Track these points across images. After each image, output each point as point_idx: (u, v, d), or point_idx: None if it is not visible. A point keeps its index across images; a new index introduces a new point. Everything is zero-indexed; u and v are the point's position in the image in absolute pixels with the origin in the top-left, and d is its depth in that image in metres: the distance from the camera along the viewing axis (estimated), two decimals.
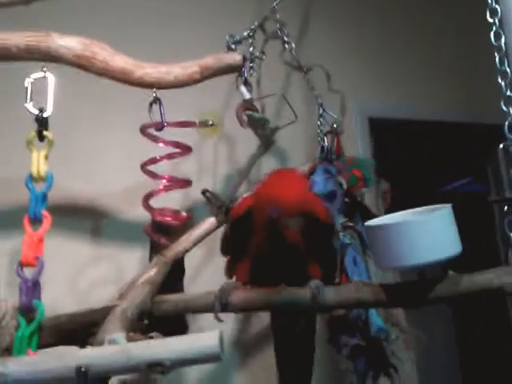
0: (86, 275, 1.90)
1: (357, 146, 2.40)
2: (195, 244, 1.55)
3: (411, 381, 2.41)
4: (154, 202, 1.59)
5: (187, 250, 1.54)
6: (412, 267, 1.06)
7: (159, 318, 1.28)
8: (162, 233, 1.53)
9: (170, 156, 1.53)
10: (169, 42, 2.06)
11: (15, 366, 0.77)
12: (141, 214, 1.71)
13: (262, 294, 1.17)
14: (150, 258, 1.56)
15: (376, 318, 1.50)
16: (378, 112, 2.48)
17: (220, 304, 1.14)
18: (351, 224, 1.54)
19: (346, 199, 1.56)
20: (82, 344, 1.31)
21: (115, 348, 0.79)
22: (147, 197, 1.55)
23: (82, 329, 1.32)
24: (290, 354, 1.38)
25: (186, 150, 1.55)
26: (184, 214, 1.56)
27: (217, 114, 1.67)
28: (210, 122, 1.59)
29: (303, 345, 1.37)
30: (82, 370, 0.73)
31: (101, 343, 0.85)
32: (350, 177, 1.57)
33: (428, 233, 1.02)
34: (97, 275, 1.91)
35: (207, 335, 0.77)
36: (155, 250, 1.54)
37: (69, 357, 0.78)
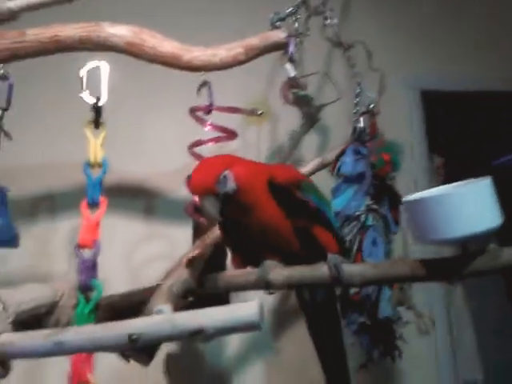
0: (139, 252, 2.01)
1: (408, 119, 2.37)
2: None
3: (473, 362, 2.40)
4: None
5: None
6: (451, 240, 1.06)
7: (202, 296, 1.31)
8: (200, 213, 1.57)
9: (215, 140, 1.58)
10: (214, 24, 2.10)
11: (74, 334, 0.85)
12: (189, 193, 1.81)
13: (302, 271, 1.20)
14: (194, 239, 1.61)
15: (386, 304, 1.51)
16: (430, 84, 2.42)
17: (262, 282, 1.18)
18: (376, 207, 1.53)
19: (375, 182, 1.55)
20: None
21: (161, 317, 0.86)
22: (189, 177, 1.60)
23: (132, 307, 1.36)
24: (318, 328, 1.39)
25: (231, 135, 1.59)
26: None
27: (265, 101, 1.68)
28: (259, 112, 1.61)
29: (327, 320, 1.38)
30: (133, 337, 0.81)
31: (149, 314, 0.91)
32: (377, 159, 1.55)
33: (466, 205, 1.02)
34: (150, 252, 2.02)
35: (247, 305, 0.81)
36: (198, 230, 1.59)
37: (121, 326, 0.85)
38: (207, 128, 1.57)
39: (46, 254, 1.96)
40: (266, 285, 1.18)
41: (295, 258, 1.22)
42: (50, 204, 1.99)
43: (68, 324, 1.29)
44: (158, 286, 1.32)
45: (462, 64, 2.44)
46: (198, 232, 1.54)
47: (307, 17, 1.83)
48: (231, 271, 1.26)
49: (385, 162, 1.53)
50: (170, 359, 1.81)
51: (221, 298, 1.46)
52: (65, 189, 1.95)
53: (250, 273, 1.22)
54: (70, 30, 1.56)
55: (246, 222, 1.17)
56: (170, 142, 2.09)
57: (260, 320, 0.82)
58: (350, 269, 1.19)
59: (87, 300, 1.37)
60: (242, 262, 1.26)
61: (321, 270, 1.19)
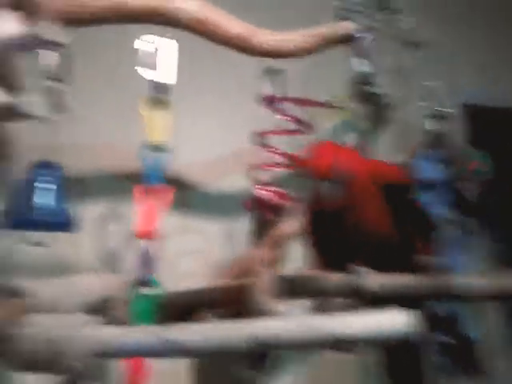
0: (172, 245, 1.89)
1: (450, 132, 2.29)
2: None
3: None
4: None
5: (296, 234, 1.44)
6: None
7: None
8: (267, 209, 1.46)
9: (290, 132, 1.46)
10: (281, 10, 1.98)
11: (189, 332, 0.71)
12: (225, 186, 1.76)
13: (403, 280, 1.09)
14: (256, 235, 1.49)
15: (471, 323, 1.40)
16: (473, 99, 2.35)
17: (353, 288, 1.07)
18: (456, 217, 1.43)
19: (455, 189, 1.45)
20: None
21: (295, 319, 0.73)
22: (254, 168, 1.49)
23: (188, 307, 1.29)
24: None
25: (308, 128, 1.47)
26: (290, 194, 1.47)
27: (346, 97, 1.59)
28: (339, 105, 1.52)
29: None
30: (259, 341, 0.67)
31: (258, 314, 0.78)
32: (474, 168, 1.46)
33: None
34: (183, 246, 1.85)
35: (398, 312, 0.69)
36: (262, 226, 1.47)
37: (246, 326, 0.71)
38: (284, 118, 1.46)
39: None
40: (357, 291, 1.06)
41: (385, 262, 1.11)
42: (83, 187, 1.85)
43: (123, 320, 1.16)
44: (220, 287, 1.22)
45: (506, 80, 2.38)
46: (262, 228, 1.43)
47: (376, 10, 1.74)
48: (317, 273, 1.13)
49: (481, 172, 1.44)
50: None
51: None
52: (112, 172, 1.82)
53: (339, 276, 1.09)
54: (135, 1, 1.44)
55: (347, 219, 1.08)
56: (205, 132, 1.97)
57: (413, 330, 0.69)
58: (463, 280, 1.07)
59: (143, 296, 1.24)
60: (327, 264, 1.14)
61: (427, 280, 1.08)
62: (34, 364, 0.72)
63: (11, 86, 0.78)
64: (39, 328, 0.72)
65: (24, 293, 0.82)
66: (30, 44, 0.76)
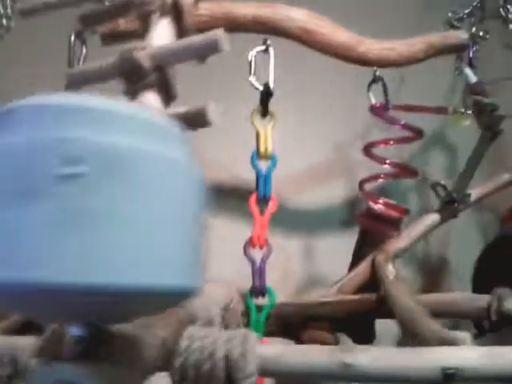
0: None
1: None
2: (415, 242, 1.40)
3: None
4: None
5: (406, 249, 1.40)
6: None
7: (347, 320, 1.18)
8: (380, 222, 1.42)
9: (399, 141, 1.42)
10: (387, 18, 1.93)
11: (369, 357, 0.68)
12: (305, 202, 1.70)
13: None
14: (364, 250, 1.44)
15: None
16: None
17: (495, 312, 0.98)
18: None
19: None
20: (294, 337, 1.26)
21: (483, 349, 0.68)
22: (365, 181, 1.45)
23: (299, 321, 1.25)
24: None
25: (418, 134, 1.43)
26: (403, 207, 1.43)
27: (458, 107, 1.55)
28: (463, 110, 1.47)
29: None
30: (449, 371, 0.64)
31: (434, 342, 0.73)
32: None
33: None
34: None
35: None
36: (369, 242, 1.42)
37: (432, 354, 0.68)
38: (394, 126, 1.42)
39: None
40: (498, 315, 0.98)
41: None
42: None
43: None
44: (334, 302, 1.19)
45: None
46: (371, 242, 1.38)
47: (482, 18, 1.68)
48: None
49: None
50: None
51: (366, 325, 1.31)
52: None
53: (476, 298, 1.03)
54: (243, 8, 1.43)
55: None
56: (284, 144, 1.93)
57: None
58: None
59: (258, 306, 1.22)
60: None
61: None
62: (197, 378, 0.71)
63: (174, 95, 0.77)
64: (202, 341, 0.70)
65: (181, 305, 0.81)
66: (190, 52, 0.74)
